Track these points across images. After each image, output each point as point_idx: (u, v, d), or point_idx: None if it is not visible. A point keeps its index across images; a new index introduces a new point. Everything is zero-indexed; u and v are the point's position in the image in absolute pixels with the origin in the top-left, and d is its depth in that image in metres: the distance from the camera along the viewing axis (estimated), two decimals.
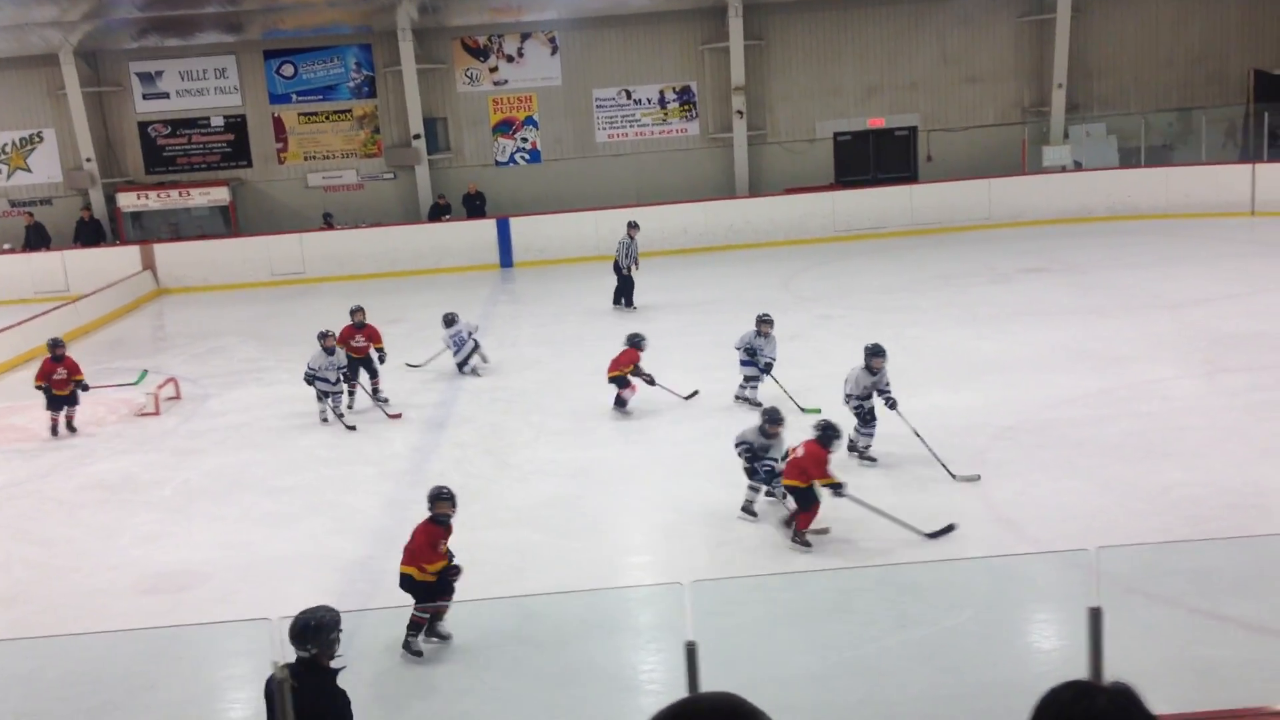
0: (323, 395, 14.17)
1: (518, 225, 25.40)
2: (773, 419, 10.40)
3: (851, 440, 11.41)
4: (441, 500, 8.45)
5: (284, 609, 6.17)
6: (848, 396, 11.63)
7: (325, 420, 14.17)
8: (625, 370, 13.71)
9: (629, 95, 27.57)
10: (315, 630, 6.05)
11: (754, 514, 10.31)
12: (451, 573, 8.28)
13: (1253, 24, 27.79)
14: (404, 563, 8.34)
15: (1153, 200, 24.74)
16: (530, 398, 14.82)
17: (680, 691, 3.67)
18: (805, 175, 27.73)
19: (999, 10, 27.66)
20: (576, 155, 27.78)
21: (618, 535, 10.54)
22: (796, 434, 10.33)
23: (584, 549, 10.07)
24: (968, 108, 28.14)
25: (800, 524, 9.67)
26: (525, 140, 27.70)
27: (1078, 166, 26.43)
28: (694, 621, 5.82)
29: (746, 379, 13.71)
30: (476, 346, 16.12)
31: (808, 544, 9.60)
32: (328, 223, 26.47)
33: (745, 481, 10.36)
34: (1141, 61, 27.92)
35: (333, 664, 6.06)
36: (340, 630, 6.15)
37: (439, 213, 26.59)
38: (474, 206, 26.74)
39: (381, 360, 15.23)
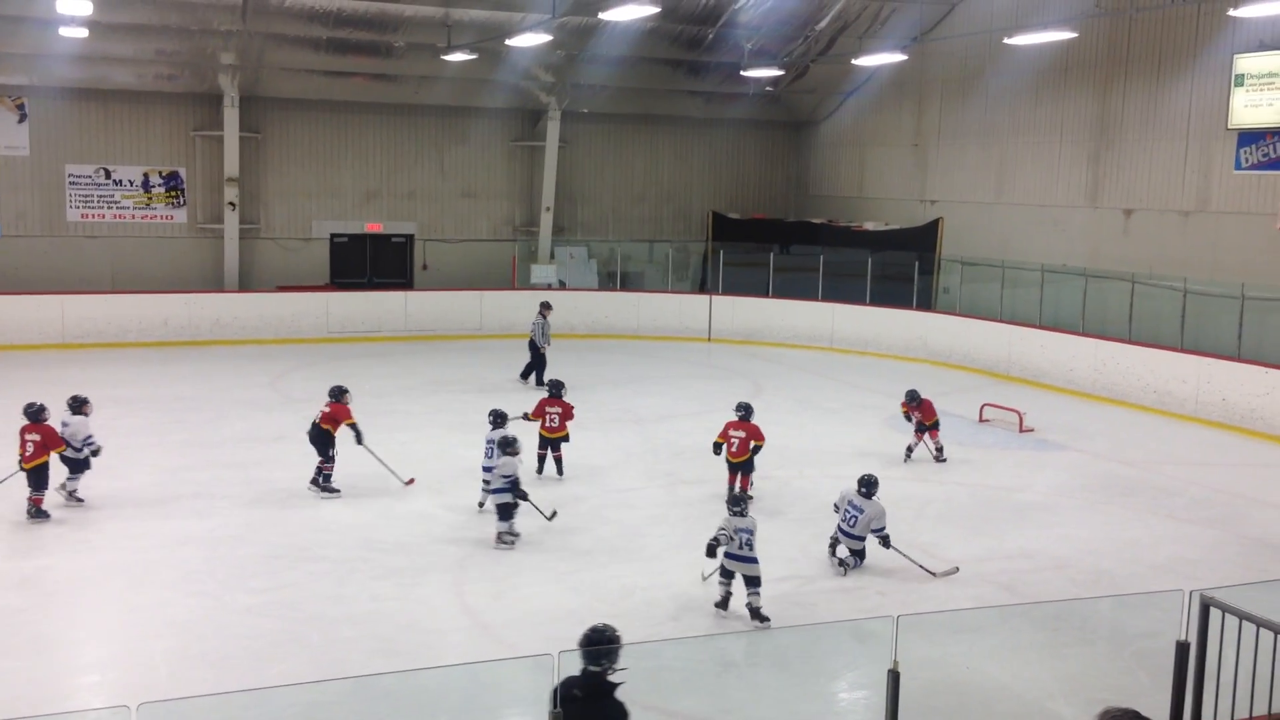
0: None
1: None
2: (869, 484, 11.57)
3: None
4: None
5: None
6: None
7: None
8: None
9: (108, 174, 25.77)
10: (609, 644, 6.45)
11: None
12: None
13: (712, 171, 31.42)
14: None
15: (626, 322, 26.92)
16: None
17: None
18: (300, 274, 27.27)
19: (494, 132, 29.10)
20: (43, 233, 25.43)
21: (65, 653, 9.51)
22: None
23: (24, 669, 8.99)
24: (463, 221, 29.16)
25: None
26: None
27: (562, 285, 28.17)
28: None
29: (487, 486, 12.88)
30: None
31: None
32: None
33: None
34: (619, 194, 30.60)
35: (612, 678, 6.39)
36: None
37: None
38: None
39: None
